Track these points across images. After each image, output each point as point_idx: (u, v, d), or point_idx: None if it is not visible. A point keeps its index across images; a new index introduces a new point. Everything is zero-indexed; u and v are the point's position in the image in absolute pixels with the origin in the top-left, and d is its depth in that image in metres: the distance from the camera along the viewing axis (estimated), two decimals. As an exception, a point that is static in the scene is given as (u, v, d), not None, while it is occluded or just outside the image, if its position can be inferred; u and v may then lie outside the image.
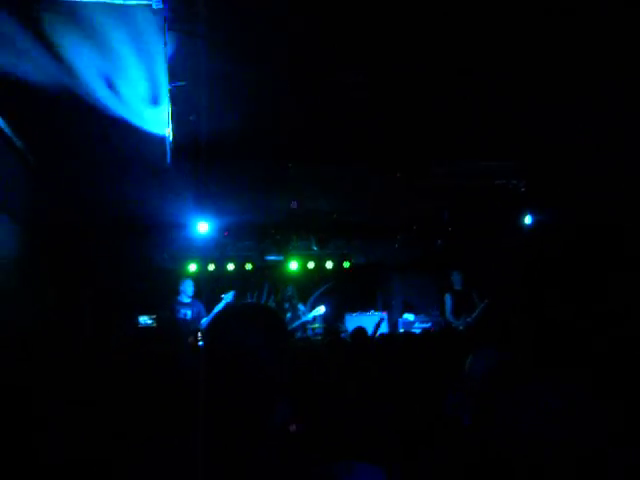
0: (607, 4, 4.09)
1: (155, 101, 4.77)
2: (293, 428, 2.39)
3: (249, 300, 10.60)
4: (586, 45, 4.67)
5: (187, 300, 8.93)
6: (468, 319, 8.88)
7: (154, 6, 3.25)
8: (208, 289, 9.66)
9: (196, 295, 9.04)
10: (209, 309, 8.72)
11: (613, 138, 6.63)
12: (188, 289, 8.96)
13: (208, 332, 1.63)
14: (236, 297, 9.18)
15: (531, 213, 9.07)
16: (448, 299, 9.29)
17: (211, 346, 1.59)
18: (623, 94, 5.57)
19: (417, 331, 9.53)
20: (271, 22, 4.29)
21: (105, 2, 3.04)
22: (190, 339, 8.26)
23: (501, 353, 2.32)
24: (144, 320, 8.90)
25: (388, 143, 6.97)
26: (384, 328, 10.52)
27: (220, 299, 8.96)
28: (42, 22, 3.25)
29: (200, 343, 8.11)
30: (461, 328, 8.79)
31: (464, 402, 2.62)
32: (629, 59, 4.87)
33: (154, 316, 8.89)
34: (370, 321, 10.02)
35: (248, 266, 10.87)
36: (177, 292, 8.99)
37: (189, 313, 8.80)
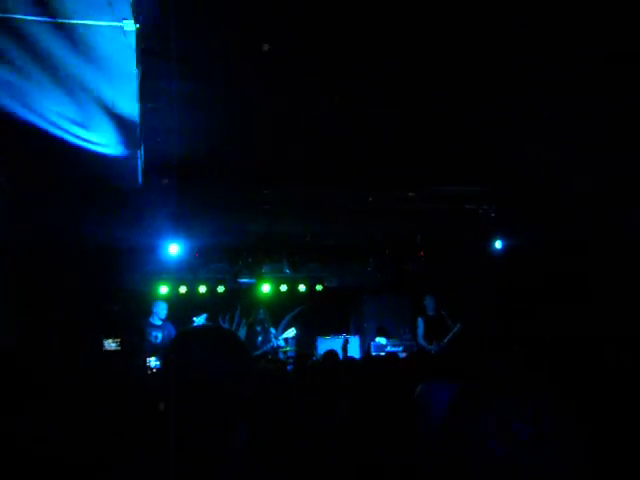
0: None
1: (126, 123, 4.75)
2: None
3: (220, 323, 10.51)
4: (552, 70, 4.78)
5: (158, 322, 8.85)
6: (441, 343, 8.91)
7: (125, 28, 3.25)
8: (179, 311, 9.57)
9: (168, 317, 8.95)
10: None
11: (581, 161, 6.78)
12: (161, 311, 8.88)
13: (167, 353, 1.63)
14: (208, 320, 9.10)
15: (501, 238, 9.19)
16: (420, 323, 9.32)
17: (169, 367, 1.58)
18: (591, 117, 5.71)
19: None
20: (244, 44, 4.33)
21: (74, 23, 3.04)
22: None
23: (461, 382, 2.32)
24: (109, 344, 8.77)
25: (361, 167, 7.03)
26: (356, 351, 10.50)
27: (192, 322, 8.88)
28: (8, 42, 3.23)
29: (154, 365, 7.97)
30: (433, 353, 8.80)
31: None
32: (595, 81, 4.99)
33: (119, 340, 8.76)
34: (341, 344, 10.03)
35: (220, 288, 10.81)
36: (149, 313, 8.89)
37: (159, 336, 8.71)
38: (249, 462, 1.64)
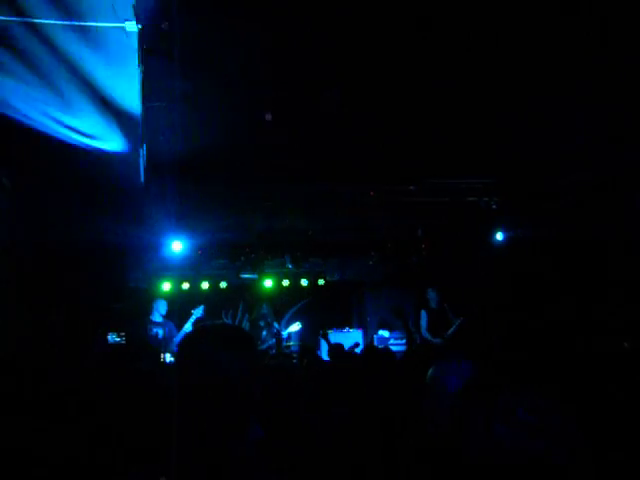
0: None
1: (129, 121, 4.78)
2: None
3: (224, 319, 10.54)
4: (555, 63, 4.80)
5: (159, 319, 8.96)
6: (445, 336, 8.91)
7: (127, 29, 3.28)
8: (182, 308, 9.61)
9: (168, 315, 9.07)
10: (181, 326, 8.77)
11: (583, 155, 6.79)
12: (161, 308, 8.99)
13: (180, 351, 1.65)
14: (206, 312, 9.17)
15: (502, 230, 9.21)
16: (424, 315, 9.30)
17: (183, 364, 1.61)
18: (593, 111, 5.72)
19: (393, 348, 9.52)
20: (245, 42, 4.34)
21: (77, 24, 3.06)
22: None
23: (473, 365, 2.36)
24: (112, 338, 8.90)
25: (362, 161, 7.04)
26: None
27: (190, 314, 8.97)
28: (13, 43, 3.26)
29: (168, 361, 8.10)
30: (438, 345, 8.83)
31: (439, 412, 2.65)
32: (599, 77, 5.01)
33: (123, 334, 8.88)
34: (345, 338, 10.04)
35: (223, 284, 10.84)
36: (150, 311, 8.99)
37: (160, 332, 8.84)
38: (261, 456, 1.67)
